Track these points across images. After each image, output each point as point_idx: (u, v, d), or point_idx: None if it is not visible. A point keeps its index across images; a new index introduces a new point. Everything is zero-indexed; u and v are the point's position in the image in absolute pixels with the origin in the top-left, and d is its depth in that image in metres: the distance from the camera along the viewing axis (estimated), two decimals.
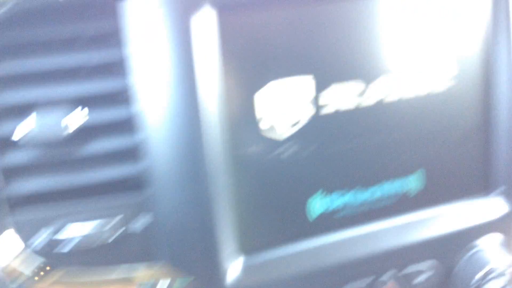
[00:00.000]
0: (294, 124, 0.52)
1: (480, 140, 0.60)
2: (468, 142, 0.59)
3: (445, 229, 0.58)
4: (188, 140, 0.46)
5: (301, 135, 0.52)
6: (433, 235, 0.58)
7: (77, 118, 0.46)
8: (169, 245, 0.49)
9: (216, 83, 0.47)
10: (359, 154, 0.55)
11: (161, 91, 0.46)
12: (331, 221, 0.55)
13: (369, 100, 0.54)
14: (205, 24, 0.45)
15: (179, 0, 0.44)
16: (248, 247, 0.52)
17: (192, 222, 0.48)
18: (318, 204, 0.54)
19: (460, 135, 0.59)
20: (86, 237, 0.47)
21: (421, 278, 0.58)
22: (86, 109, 0.46)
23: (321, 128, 0.53)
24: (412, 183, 0.58)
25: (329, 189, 0.55)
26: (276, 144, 0.51)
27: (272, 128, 0.51)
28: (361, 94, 0.53)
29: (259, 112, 0.50)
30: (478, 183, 0.61)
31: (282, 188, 0.53)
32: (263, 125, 0.50)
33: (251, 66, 0.49)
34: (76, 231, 0.47)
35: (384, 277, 0.56)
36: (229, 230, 0.50)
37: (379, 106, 0.55)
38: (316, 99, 0.52)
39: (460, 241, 0.59)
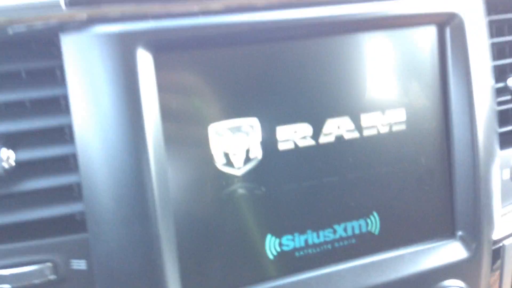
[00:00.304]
0: (247, 162, 0.50)
1: (439, 184, 0.58)
2: (426, 186, 0.58)
3: (403, 273, 0.56)
4: (130, 177, 0.45)
5: (255, 173, 0.50)
6: (391, 278, 0.56)
7: (11, 155, 0.44)
8: None
9: (158, 120, 0.46)
10: (316, 194, 0.53)
11: (100, 129, 0.44)
12: (290, 262, 0.53)
13: (322, 141, 0.52)
14: (142, 66, 0.44)
15: (114, 42, 0.42)
16: None
17: (134, 265, 0.46)
18: (275, 244, 0.52)
19: (418, 178, 0.57)
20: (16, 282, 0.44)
21: None
22: (21, 147, 0.45)
23: (275, 168, 0.51)
24: (371, 225, 0.56)
25: (283, 230, 0.52)
26: (230, 180, 0.49)
27: (227, 164, 0.49)
28: (313, 136, 0.52)
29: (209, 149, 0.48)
30: (437, 227, 0.59)
31: (235, 229, 0.51)
32: (218, 160, 0.49)
33: (193, 106, 0.47)
34: (5, 277, 0.44)
35: None
36: (174, 275, 0.48)
37: (332, 147, 0.53)
38: (265, 140, 0.50)
39: (420, 284, 0.57)
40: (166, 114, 0.46)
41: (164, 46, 0.45)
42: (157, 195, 0.45)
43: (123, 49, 0.43)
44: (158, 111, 0.46)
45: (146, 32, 0.44)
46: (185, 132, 0.48)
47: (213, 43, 0.47)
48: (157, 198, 0.45)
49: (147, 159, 0.44)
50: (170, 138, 0.47)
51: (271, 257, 0.53)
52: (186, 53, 0.46)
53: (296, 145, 0.52)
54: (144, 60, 0.44)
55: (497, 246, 0.62)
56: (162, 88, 0.46)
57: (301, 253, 0.54)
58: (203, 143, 0.48)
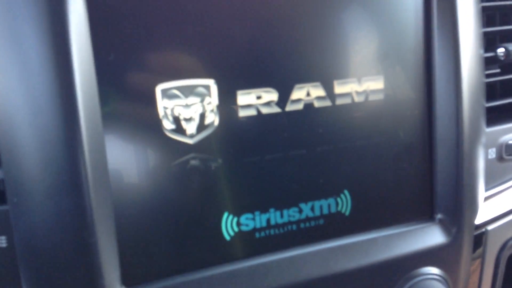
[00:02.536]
0: (201, 129, 0.43)
1: (418, 161, 0.52)
2: (404, 163, 0.52)
3: (375, 258, 0.50)
4: (57, 140, 0.38)
5: (210, 142, 0.43)
6: (362, 263, 0.50)
7: None
8: (32, 272, 0.40)
9: (92, 74, 0.38)
10: (280, 168, 0.47)
11: (20, 79, 0.37)
12: (249, 244, 0.47)
13: (288, 109, 0.46)
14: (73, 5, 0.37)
15: None
16: (133, 278, 0.43)
17: (62, 244, 0.39)
18: (233, 224, 0.46)
19: (395, 154, 0.51)
20: None
21: None
22: None
23: (234, 137, 0.45)
24: (341, 205, 0.50)
25: (242, 208, 0.46)
26: (181, 149, 0.42)
27: (177, 131, 0.42)
28: (279, 102, 0.45)
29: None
30: (414, 209, 0.53)
31: (186, 205, 0.44)
32: (166, 126, 0.42)
33: (137, 60, 0.40)
34: None
35: None
36: (110, 256, 0.41)
37: (300, 116, 0.47)
38: (224, 105, 0.43)
39: (394, 271, 0.51)
40: (102, 68, 0.39)
41: None
42: (89, 162, 0.38)
43: None
44: (92, 64, 0.39)
45: None
46: (126, 91, 0.40)
47: None
48: (90, 165, 0.38)
49: (76, 119, 0.37)
50: (106, 97, 0.40)
51: (227, 238, 0.47)
52: None
53: (259, 112, 0.45)
54: (76, 2, 0.37)
55: (479, 231, 0.57)
56: (98, 36, 0.39)
57: (262, 234, 0.48)
58: (149, 105, 0.42)
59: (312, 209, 0.49)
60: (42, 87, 0.37)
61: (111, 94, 0.40)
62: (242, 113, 0.45)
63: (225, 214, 0.46)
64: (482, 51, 0.54)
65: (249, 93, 0.45)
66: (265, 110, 0.46)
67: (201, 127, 0.44)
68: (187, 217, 0.45)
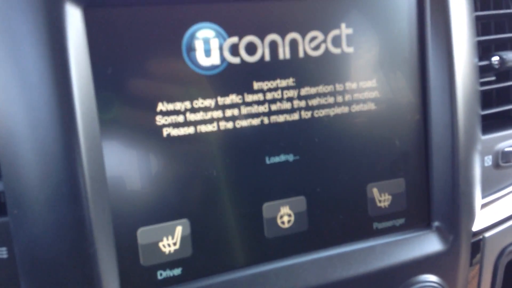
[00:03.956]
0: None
1: (414, 169, 0.53)
2: (400, 171, 0.52)
3: (373, 266, 0.50)
4: (57, 152, 0.38)
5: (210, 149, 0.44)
6: (360, 272, 0.50)
7: None
8: (33, 282, 0.41)
9: (91, 89, 0.39)
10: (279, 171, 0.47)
11: (22, 96, 0.38)
12: (246, 253, 0.48)
13: (273, 121, 0.47)
14: (71, 25, 0.37)
15: None
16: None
17: (62, 255, 0.40)
18: None
19: (391, 162, 0.52)
20: None
21: None
22: None
23: (230, 145, 0.45)
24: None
25: None
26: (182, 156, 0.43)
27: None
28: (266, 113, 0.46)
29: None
30: (411, 217, 0.53)
31: (184, 214, 0.45)
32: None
33: (138, 80, 0.41)
34: None
35: None
36: (109, 266, 0.42)
37: (296, 125, 0.47)
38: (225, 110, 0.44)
39: (392, 279, 0.52)
40: (100, 81, 0.40)
41: (97, 0, 0.38)
42: (88, 173, 0.39)
43: (47, 4, 0.37)
44: (90, 77, 0.39)
45: None
46: (125, 104, 0.41)
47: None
48: (88, 177, 0.39)
49: (75, 131, 0.38)
50: (104, 109, 0.41)
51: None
52: (126, 9, 0.40)
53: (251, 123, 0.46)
54: (73, 17, 0.38)
55: (477, 238, 0.57)
56: (96, 49, 0.40)
57: None
58: (148, 116, 0.42)
59: None
60: (41, 100, 0.38)
61: (110, 107, 0.41)
62: (242, 123, 0.46)
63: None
64: (476, 59, 0.54)
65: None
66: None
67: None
68: (189, 224, 0.45)
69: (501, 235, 0.60)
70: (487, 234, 0.58)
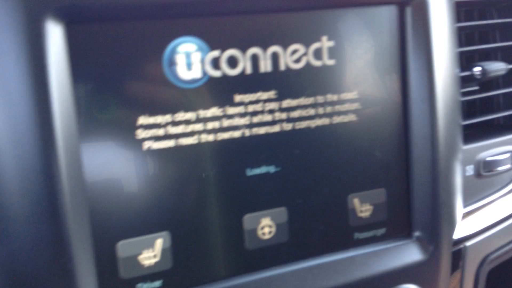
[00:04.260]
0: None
1: (395, 179, 0.53)
2: (380, 181, 0.53)
3: (353, 276, 0.51)
4: (34, 168, 0.38)
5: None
6: (339, 282, 0.51)
7: None
8: None
9: (70, 106, 0.39)
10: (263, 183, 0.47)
11: (2, 111, 0.38)
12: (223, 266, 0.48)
13: (255, 132, 0.47)
14: (52, 41, 0.38)
15: (15, 11, 0.36)
16: None
17: (41, 271, 0.40)
18: None
19: (371, 173, 0.52)
20: None
21: None
22: None
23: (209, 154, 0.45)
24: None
25: None
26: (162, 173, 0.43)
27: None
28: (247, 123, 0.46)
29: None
30: (392, 227, 0.54)
31: (162, 228, 0.45)
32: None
33: (118, 95, 0.41)
34: None
35: None
36: (89, 281, 0.42)
37: (277, 137, 0.48)
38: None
39: None
40: (81, 98, 0.40)
41: (80, 16, 0.38)
42: (67, 190, 0.39)
43: (27, 20, 0.37)
44: (72, 94, 0.39)
45: None
46: (105, 120, 0.41)
47: (140, 14, 0.41)
48: (68, 193, 0.39)
49: (54, 148, 0.38)
50: (85, 125, 0.41)
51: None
52: (108, 25, 0.40)
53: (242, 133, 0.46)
54: (55, 34, 0.38)
55: (458, 247, 0.58)
56: (77, 67, 0.40)
57: None
58: (128, 133, 0.42)
59: None
60: (21, 116, 0.38)
61: (90, 121, 0.41)
62: (223, 135, 0.46)
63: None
64: (457, 70, 0.55)
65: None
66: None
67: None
68: (169, 239, 0.45)
69: (483, 244, 0.60)
70: (469, 243, 0.59)
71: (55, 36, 0.37)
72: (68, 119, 0.39)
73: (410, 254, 0.54)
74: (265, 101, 0.47)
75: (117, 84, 0.41)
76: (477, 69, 0.58)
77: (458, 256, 0.58)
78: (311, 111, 0.49)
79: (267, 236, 0.49)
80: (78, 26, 0.39)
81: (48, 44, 0.37)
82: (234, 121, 0.46)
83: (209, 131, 0.45)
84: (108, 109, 0.41)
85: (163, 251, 0.45)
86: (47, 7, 0.37)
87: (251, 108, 0.47)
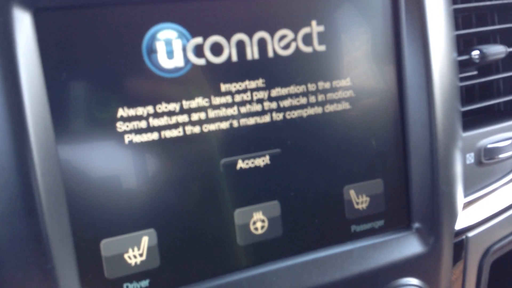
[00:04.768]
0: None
1: (393, 169, 0.51)
2: (377, 172, 0.50)
3: (351, 271, 0.49)
4: (10, 165, 0.37)
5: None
6: (337, 277, 0.48)
7: None
8: None
9: (43, 96, 0.37)
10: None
11: None
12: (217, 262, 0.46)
13: (251, 122, 0.45)
14: (20, 30, 0.35)
15: None
16: None
17: (20, 271, 0.38)
18: None
19: (368, 163, 0.50)
20: None
21: None
22: None
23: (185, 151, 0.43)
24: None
25: None
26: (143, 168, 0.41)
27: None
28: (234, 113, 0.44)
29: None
30: (391, 219, 0.52)
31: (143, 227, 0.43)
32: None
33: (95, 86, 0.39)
34: None
35: None
36: (70, 282, 0.40)
37: (269, 126, 0.45)
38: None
39: (371, 283, 0.50)
40: (55, 91, 0.38)
41: (48, 3, 0.36)
42: (43, 187, 0.37)
43: None
44: (43, 86, 0.37)
45: None
46: (80, 112, 0.39)
47: (115, 0, 0.39)
48: (44, 190, 0.37)
49: (28, 143, 0.36)
50: (59, 118, 0.39)
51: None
52: (80, 11, 0.38)
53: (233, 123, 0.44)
54: (22, 22, 0.36)
55: (460, 238, 0.55)
56: (48, 57, 0.37)
57: None
58: (107, 124, 0.40)
59: None
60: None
61: (65, 114, 0.39)
62: (210, 127, 0.44)
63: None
64: (455, 54, 0.52)
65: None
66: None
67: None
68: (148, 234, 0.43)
69: (486, 234, 0.58)
70: (471, 234, 0.56)
71: (22, 24, 0.35)
72: (41, 112, 0.37)
73: (410, 246, 0.51)
74: (253, 90, 0.45)
75: (93, 74, 0.39)
76: (475, 53, 0.56)
77: (460, 247, 0.56)
78: (303, 100, 0.47)
79: (259, 231, 0.47)
80: (47, 13, 0.37)
81: (15, 34, 0.35)
82: (221, 111, 0.44)
83: (194, 123, 0.43)
84: (84, 101, 0.39)
85: (149, 249, 0.43)
86: None
87: (238, 98, 0.44)
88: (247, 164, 0.45)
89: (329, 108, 0.48)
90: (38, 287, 0.38)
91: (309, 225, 0.49)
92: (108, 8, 0.39)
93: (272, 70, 0.45)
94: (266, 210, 0.47)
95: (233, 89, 0.44)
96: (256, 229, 0.47)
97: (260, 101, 0.45)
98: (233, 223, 0.46)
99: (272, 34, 0.45)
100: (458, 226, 0.55)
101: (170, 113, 0.42)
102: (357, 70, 0.48)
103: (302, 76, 0.47)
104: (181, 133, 0.43)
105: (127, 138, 0.41)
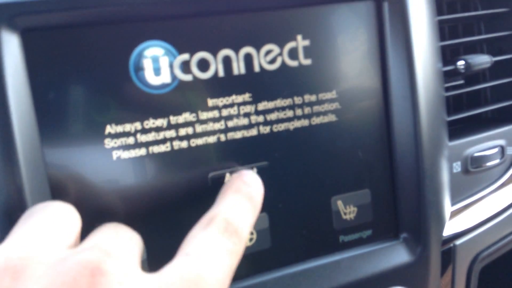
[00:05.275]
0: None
1: (379, 180, 0.52)
2: (364, 183, 0.51)
3: (338, 281, 0.49)
4: None
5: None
6: (330, 286, 0.49)
7: None
8: None
9: (30, 110, 0.38)
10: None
11: None
12: None
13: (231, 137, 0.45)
14: (7, 51, 0.36)
15: None
16: None
17: None
18: None
19: (354, 174, 0.50)
20: None
21: None
22: None
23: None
24: None
25: None
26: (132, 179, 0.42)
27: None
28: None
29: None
30: (378, 229, 0.52)
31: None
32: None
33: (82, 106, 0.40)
34: None
35: None
36: None
37: (254, 138, 0.46)
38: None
39: None
40: (43, 110, 0.39)
41: (35, 24, 0.37)
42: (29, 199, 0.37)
43: None
44: (31, 106, 0.38)
45: (10, 5, 0.36)
46: (68, 121, 0.40)
47: (102, 19, 0.40)
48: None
49: (17, 164, 0.37)
50: (48, 139, 0.39)
51: None
52: (67, 31, 0.38)
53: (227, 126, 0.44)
54: (9, 43, 0.36)
55: (447, 246, 0.56)
56: (35, 77, 0.38)
57: None
58: (97, 143, 0.41)
59: None
60: None
61: (53, 133, 0.39)
62: (197, 141, 0.44)
63: None
64: (440, 64, 0.53)
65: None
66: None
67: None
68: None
69: (474, 242, 0.59)
70: (458, 242, 0.57)
71: (9, 45, 0.36)
72: (29, 131, 0.37)
73: (398, 255, 0.52)
74: (240, 104, 0.46)
75: (81, 92, 0.40)
76: (460, 63, 0.57)
77: (448, 255, 0.56)
78: (289, 113, 0.47)
79: (248, 244, 0.48)
80: (34, 34, 0.37)
81: (3, 54, 0.36)
82: (208, 126, 0.45)
83: (182, 138, 0.44)
84: (73, 120, 0.40)
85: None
86: (0, 17, 0.36)
87: (225, 112, 0.45)
88: None
89: (316, 120, 0.49)
90: None
91: (297, 236, 0.49)
92: (95, 27, 0.40)
93: (259, 85, 0.46)
94: (254, 223, 0.47)
95: (220, 104, 0.45)
96: None
97: (247, 115, 0.46)
98: None
99: (258, 49, 0.46)
100: (446, 233, 0.56)
101: (158, 129, 0.43)
102: (342, 83, 0.49)
103: (289, 89, 0.47)
104: (169, 148, 0.43)
105: (115, 154, 0.42)
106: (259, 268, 0.48)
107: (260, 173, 0.47)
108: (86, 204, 0.41)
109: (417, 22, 0.50)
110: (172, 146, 0.43)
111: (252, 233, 0.48)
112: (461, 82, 0.60)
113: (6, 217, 0.37)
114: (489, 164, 0.59)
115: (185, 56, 0.43)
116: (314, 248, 0.50)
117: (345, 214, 0.51)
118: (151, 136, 0.43)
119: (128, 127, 0.42)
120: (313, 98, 0.48)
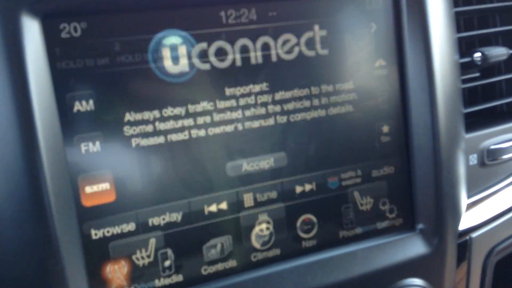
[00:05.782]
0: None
1: (396, 171, 0.51)
2: (381, 174, 0.51)
3: (355, 272, 0.49)
4: (20, 169, 0.37)
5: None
6: (341, 278, 0.49)
7: None
8: None
9: (51, 96, 0.38)
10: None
11: None
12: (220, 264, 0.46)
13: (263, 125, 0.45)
14: (28, 37, 0.36)
15: None
16: None
17: (29, 272, 0.39)
18: None
19: (372, 165, 0.50)
20: None
21: None
22: None
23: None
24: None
25: None
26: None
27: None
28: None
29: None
30: (395, 220, 0.52)
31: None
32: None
33: (102, 94, 0.40)
34: None
35: None
36: (79, 283, 0.40)
37: (276, 127, 0.46)
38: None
39: (375, 284, 0.51)
40: (63, 96, 0.39)
41: (56, 10, 0.37)
42: (51, 190, 0.38)
43: (2, 17, 0.35)
44: (52, 92, 0.38)
45: None
46: (89, 117, 0.40)
47: (121, 7, 0.40)
48: (52, 193, 0.38)
49: (37, 147, 0.37)
50: (68, 124, 0.39)
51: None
52: (87, 19, 0.38)
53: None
54: (31, 30, 0.37)
55: (463, 239, 0.56)
56: (56, 64, 0.38)
57: None
58: (116, 130, 0.41)
59: None
60: (1, 118, 0.37)
61: (73, 120, 0.40)
62: (215, 130, 0.44)
63: None
64: (457, 56, 0.53)
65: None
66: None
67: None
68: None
69: (489, 235, 0.58)
70: (474, 234, 0.57)
71: (31, 31, 0.36)
72: (50, 117, 0.38)
73: (414, 247, 0.52)
74: (257, 93, 0.46)
75: (100, 80, 0.40)
76: (477, 55, 0.57)
77: (463, 248, 0.56)
78: (306, 103, 0.47)
79: (265, 233, 0.48)
80: (55, 20, 0.38)
81: (24, 40, 0.36)
82: (225, 115, 0.45)
83: (199, 126, 0.44)
84: (92, 106, 0.40)
85: (156, 250, 0.44)
86: (21, 2, 0.36)
87: (243, 102, 0.45)
88: (252, 166, 0.46)
89: (333, 111, 0.48)
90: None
91: (314, 226, 0.49)
92: (116, 15, 0.40)
93: (276, 74, 0.46)
94: (271, 212, 0.48)
95: (238, 93, 0.45)
96: (261, 230, 0.48)
97: (264, 104, 0.46)
98: (239, 225, 0.47)
99: (275, 39, 0.46)
100: (462, 226, 0.55)
101: (176, 117, 0.43)
102: (359, 73, 0.49)
103: (306, 79, 0.47)
104: (187, 137, 0.44)
105: (134, 141, 0.42)
106: (275, 258, 0.48)
107: (277, 162, 0.47)
108: (104, 189, 0.41)
109: (434, 14, 0.50)
110: (190, 134, 0.44)
111: (268, 222, 0.48)
112: (477, 74, 0.60)
113: (27, 201, 0.37)
114: (505, 157, 0.58)
115: (203, 45, 0.43)
116: (331, 238, 0.50)
117: (361, 205, 0.51)
118: (169, 124, 0.43)
119: (147, 115, 0.42)
120: (330, 88, 0.48)
